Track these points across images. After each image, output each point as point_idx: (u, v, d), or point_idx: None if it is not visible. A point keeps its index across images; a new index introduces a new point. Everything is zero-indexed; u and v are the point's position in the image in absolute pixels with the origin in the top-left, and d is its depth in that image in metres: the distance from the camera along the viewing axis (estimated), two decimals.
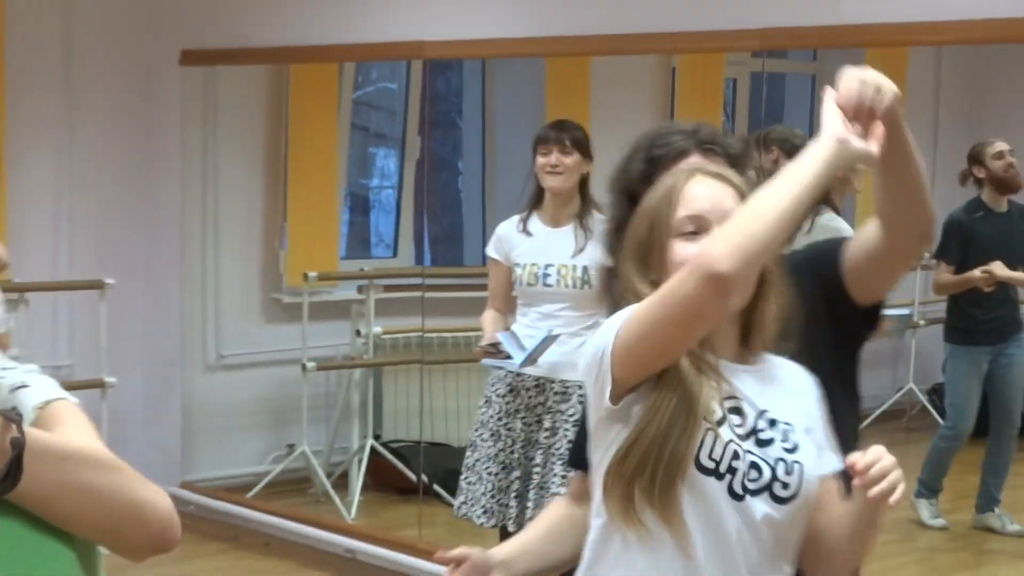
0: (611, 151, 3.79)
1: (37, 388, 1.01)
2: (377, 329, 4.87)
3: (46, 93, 4.84)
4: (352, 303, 5.02)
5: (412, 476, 4.62)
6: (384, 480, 4.84)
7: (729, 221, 1.16)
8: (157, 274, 4.98)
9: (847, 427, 1.52)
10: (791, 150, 3.95)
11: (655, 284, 1.31)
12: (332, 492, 4.69)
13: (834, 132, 1.10)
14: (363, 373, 5.07)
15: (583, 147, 3.44)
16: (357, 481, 4.72)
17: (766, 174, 4.27)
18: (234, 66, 4.81)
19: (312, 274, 4.81)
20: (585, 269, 3.47)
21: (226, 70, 4.85)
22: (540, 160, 3.43)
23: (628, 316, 1.20)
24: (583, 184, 3.52)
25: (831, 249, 1.40)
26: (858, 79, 1.13)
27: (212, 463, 5.06)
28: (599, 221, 3.34)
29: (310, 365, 4.74)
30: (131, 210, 5.03)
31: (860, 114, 1.13)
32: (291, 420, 4.99)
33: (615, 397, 1.18)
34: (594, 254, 3.04)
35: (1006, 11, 3.05)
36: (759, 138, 4.54)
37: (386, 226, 5.87)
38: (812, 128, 5.88)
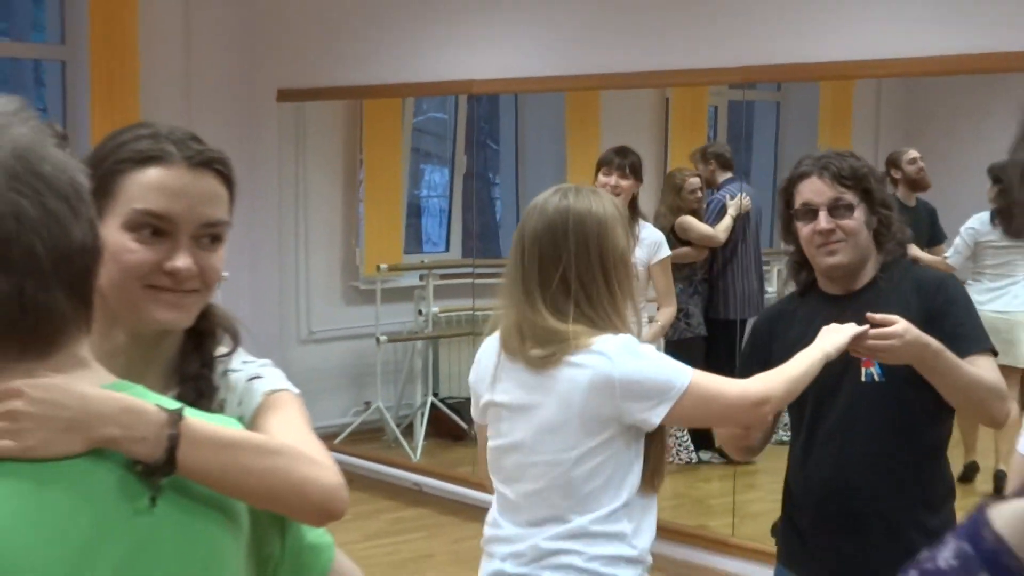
0: None
1: (268, 379, 1.10)
2: (435, 309, 5.38)
3: (172, 122, 5.14)
4: (415, 288, 5.53)
5: (464, 425, 5.06)
6: (442, 429, 5.34)
7: (784, 382, 1.49)
8: (260, 268, 5.49)
9: (938, 425, 1.71)
10: (724, 163, 4.29)
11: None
12: (401, 438, 5.16)
13: (828, 349, 1.46)
14: (424, 344, 5.54)
15: (638, 172, 3.76)
16: (420, 430, 5.19)
17: (704, 182, 4.80)
18: (319, 101, 5.30)
19: (383, 266, 5.27)
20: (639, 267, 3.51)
21: (313, 104, 5.33)
22: (602, 179, 3.69)
23: (697, 394, 1.44)
24: (633, 199, 3.78)
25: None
26: (876, 350, 1.48)
27: (316, 413, 5.23)
28: (642, 227, 3.83)
29: (382, 338, 5.26)
30: (239, 217, 5.19)
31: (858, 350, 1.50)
32: (367, 382, 5.53)
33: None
34: (638, 251, 3.53)
35: (934, 51, 3.50)
36: (701, 152, 4.73)
37: (433, 227, 6.36)
38: (777, 150, 5.84)
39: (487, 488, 2.20)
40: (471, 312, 5.14)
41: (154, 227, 1.03)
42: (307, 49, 5.15)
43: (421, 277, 5.50)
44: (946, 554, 0.76)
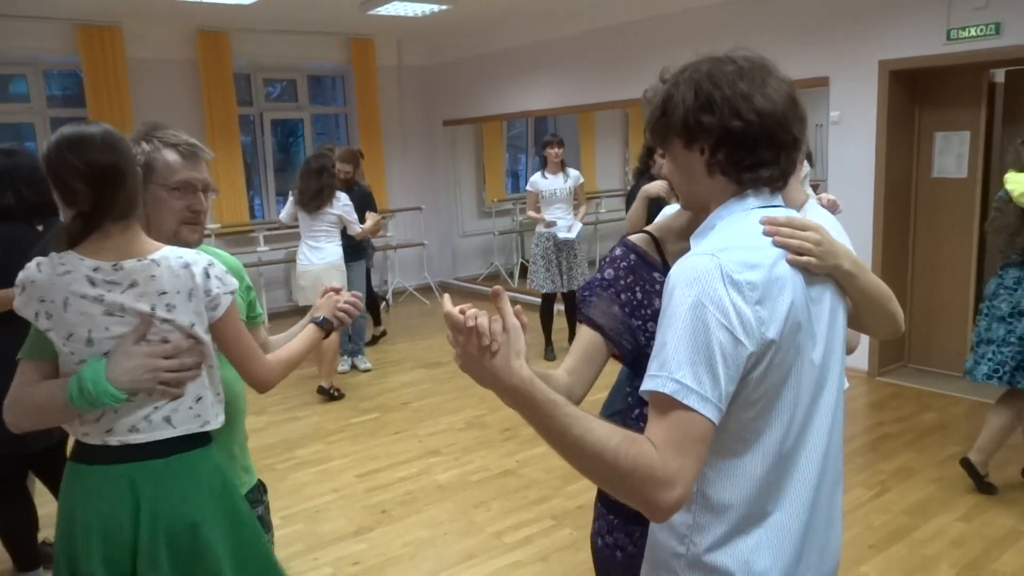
0: (604, 152, 8.57)
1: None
2: (520, 218, 8.09)
3: (395, 139, 7.77)
4: (510, 209, 8.23)
5: None
6: (525, 272, 7.50)
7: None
8: (441, 204, 8.03)
9: None
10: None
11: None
12: (506, 277, 7.96)
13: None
14: (516, 235, 8.27)
15: (562, 145, 5.08)
16: (516, 272, 8.02)
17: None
18: (462, 125, 7.60)
19: (496, 200, 8.05)
20: (570, 190, 5.18)
21: (461, 127, 7.71)
22: (547, 151, 5.17)
23: None
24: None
25: None
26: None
27: (467, 269, 8.07)
28: (571, 172, 5.21)
29: (497, 234, 8.05)
30: (428, 179, 7.97)
31: None
32: (490, 253, 8.24)
33: None
34: (567, 185, 5.17)
35: None
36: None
37: (513, 181, 8.92)
38: None
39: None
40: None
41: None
42: (455, 98, 7.55)
43: (513, 204, 8.26)
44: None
